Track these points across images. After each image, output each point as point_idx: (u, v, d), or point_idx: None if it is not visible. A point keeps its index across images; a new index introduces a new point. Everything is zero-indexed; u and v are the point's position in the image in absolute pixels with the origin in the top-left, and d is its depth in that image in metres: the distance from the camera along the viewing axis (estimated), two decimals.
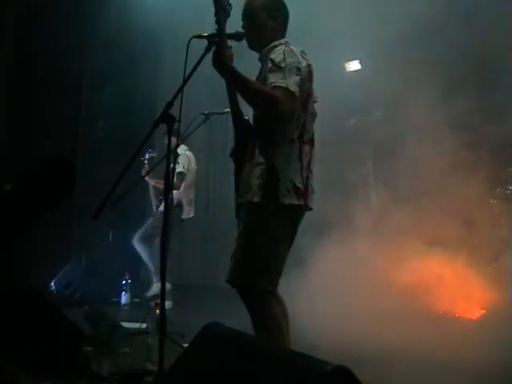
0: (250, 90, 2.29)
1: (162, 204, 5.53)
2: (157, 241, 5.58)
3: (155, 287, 5.48)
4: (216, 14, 2.26)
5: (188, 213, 5.69)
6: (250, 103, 2.36)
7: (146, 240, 5.58)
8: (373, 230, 5.07)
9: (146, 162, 5.59)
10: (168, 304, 5.37)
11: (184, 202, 5.60)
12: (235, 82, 2.33)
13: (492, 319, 3.42)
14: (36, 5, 5.55)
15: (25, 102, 5.47)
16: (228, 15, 2.31)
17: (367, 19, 5.39)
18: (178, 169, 5.50)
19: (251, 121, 2.54)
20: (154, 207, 5.91)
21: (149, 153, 5.61)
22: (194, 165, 5.74)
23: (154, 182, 5.83)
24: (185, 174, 5.58)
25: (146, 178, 5.73)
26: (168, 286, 5.38)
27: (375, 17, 5.33)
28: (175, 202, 5.46)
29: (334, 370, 1.34)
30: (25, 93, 5.51)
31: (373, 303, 4.06)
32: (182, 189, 5.56)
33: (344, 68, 6.80)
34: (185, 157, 5.61)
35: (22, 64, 5.48)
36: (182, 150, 5.60)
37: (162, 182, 5.49)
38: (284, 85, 2.25)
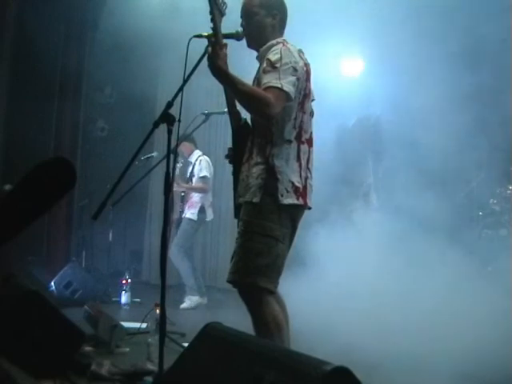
0: (242, 92, 2.29)
1: (186, 210, 5.64)
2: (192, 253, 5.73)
3: (189, 300, 5.49)
4: (211, 13, 2.26)
5: (209, 215, 5.83)
6: (243, 105, 2.36)
7: (188, 252, 5.60)
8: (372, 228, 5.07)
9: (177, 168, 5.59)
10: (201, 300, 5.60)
11: (206, 205, 5.74)
12: (228, 85, 2.34)
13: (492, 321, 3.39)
14: (36, 5, 5.55)
15: (25, 102, 5.47)
16: (223, 14, 2.31)
17: (367, 18, 5.39)
18: (203, 173, 5.68)
19: (249, 121, 2.55)
20: (179, 213, 5.87)
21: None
22: (212, 169, 5.87)
23: (182, 188, 5.71)
24: (209, 179, 5.73)
25: (176, 188, 5.73)
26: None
27: (375, 16, 5.33)
28: (198, 207, 5.65)
29: (334, 370, 1.34)
30: (25, 93, 5.50)
31: (374, 303, 4.05)
32: (207, 193, 5.75)
33: (343, 68, 6.81)
34: (205, 162, 5.76)
35: (22, 64, 5.48)
36: (197, 155, 5.79)
37: (189, 185, 5.58)
38: (278, 85, 2.25)
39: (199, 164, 5.69)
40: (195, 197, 5.68)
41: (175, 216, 5.71)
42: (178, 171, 5.49)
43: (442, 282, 4.01)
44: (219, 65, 2.24)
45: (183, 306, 5.45)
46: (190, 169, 5.77)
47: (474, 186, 5.49)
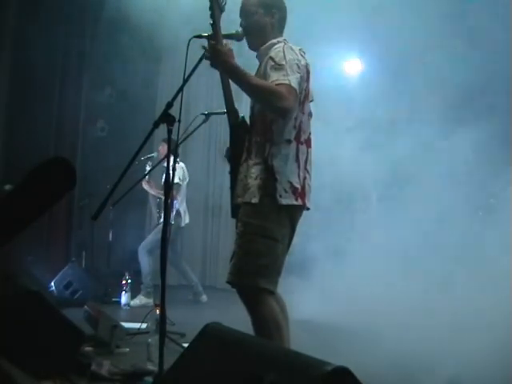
0: (254, 86, 2.27)
1: (162, 215, 5.70)
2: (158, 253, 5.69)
3: (140, 299, 5.51)
4: (210, 8, 2.26)
5: (184, 220, 5.94)
6: (257, 99, 2.34)
7: (153, 253, 5.62)
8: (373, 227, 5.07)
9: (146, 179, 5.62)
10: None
11: (181, 210, 5.85)
12: (237, 79, 2.30)
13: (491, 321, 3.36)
14: (36, 5, 5.55)
15: (25, 102, 5.47)
16: (222, 10, 2.31)
17: (367, 18, 5.39)
18: (175, 180, 5.64)
19: (247, 119, 2.54)
20: (156, 218, 6.03)
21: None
22: (187, 176, 5.98)
23: (155, 192, 5.91)
24: (180, 185, 5.80)
25: (146, 188, 5.84)
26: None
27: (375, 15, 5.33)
28: (175, 211, 5.73)
29: (335, 370, 1.34)
30: (25, 93, 5.51)
31: (374, 301, 4.05)
32: (179, 199, 5.81)
33: (344, 68, 6.81)
34: (179, 168, 5.82)
35: (23, 64, 5.48)
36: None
37: (160, 191, 5.64)
38: (286, 81, 2.24)
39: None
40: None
41: (153, 222, 5.80)
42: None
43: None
44: (226, 59, 2.25)
45: (134, 302, 5.44)
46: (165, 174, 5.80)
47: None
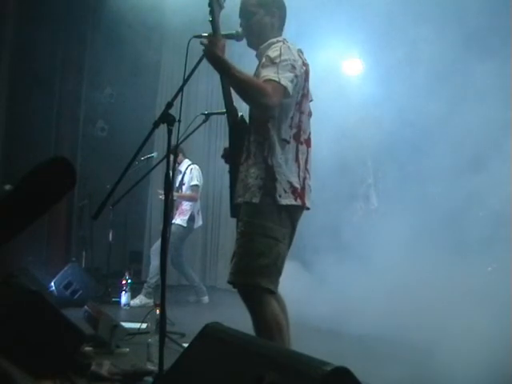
0: (239, 80, 2.26)
1: (176, 217, 5.73)
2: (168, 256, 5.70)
3: (140, 299, 5.48)
4: (209, 5, 2.26)
5: (197, 222, 5.95)
6: (239, 93, 2.32)
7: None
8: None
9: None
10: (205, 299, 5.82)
11: (195, 213, 5.86)
12: (224, 72, 2.31)
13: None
14: (37, 5, 5.55)
15: (25, 102, 5.47)
16: (222, 7, 2.30)
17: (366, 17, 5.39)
18: (194, 182, 5.81)
19: (246, 117, 2.54)
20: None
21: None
22: (202, 178, 6.01)
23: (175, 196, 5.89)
24: (199, 187, 5.84)
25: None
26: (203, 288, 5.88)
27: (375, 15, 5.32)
28: (188, 215, 5.76)
29: (335, 370, 1.34)
30: (25, 93, 5.51)
31: (374, 301, 4.05)
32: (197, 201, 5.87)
33: (343, 67, 6.81)
34: (196, 170, 5.88)
35: (22, 64, 5.48)
36: (187, 163, 5.90)
37: (179, 194, 5.64)
38: (276, 78, 2.24)
39: (190, 173, 5.82)
40: (185, 205, 5.81)
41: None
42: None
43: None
44: (215, 51, 2.24)
45: (134, 302, 5.42)
46: (180, 177, 5.87)
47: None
